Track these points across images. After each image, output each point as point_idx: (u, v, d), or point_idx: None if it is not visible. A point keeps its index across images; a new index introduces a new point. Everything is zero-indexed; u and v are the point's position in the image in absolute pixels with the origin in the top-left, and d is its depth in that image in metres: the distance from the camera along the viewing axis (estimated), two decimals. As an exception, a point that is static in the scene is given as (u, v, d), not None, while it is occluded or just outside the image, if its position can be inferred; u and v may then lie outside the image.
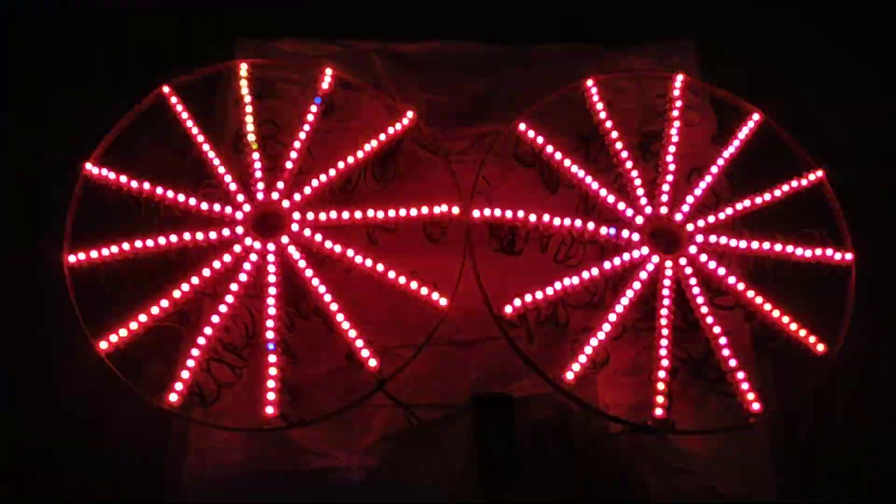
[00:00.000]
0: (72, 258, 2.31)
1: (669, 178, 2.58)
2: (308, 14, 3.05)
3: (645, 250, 2.46)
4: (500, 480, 2.29)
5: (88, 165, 2.42)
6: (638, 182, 2.56)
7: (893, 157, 2.95)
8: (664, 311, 2.38)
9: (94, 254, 2.32)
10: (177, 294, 2.28)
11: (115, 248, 2.32)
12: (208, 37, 2.94)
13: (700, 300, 2.41)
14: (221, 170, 2.49)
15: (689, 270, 2.45)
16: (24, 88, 2.86)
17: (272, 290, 2.34)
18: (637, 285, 2.41)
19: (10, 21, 2.97)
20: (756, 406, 2.26)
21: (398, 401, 2.27)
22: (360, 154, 2.54)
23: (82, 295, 2.27)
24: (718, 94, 2.82)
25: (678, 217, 2.53)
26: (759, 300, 2.41)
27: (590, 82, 2.68)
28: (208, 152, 2.52)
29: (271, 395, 2.18)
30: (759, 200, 2.56)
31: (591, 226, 2.46)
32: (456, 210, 2.46)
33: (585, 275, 2.39)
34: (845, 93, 3.04)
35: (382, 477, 2.30)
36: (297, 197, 2.47)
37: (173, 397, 2.17)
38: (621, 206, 2.52)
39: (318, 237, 2.40)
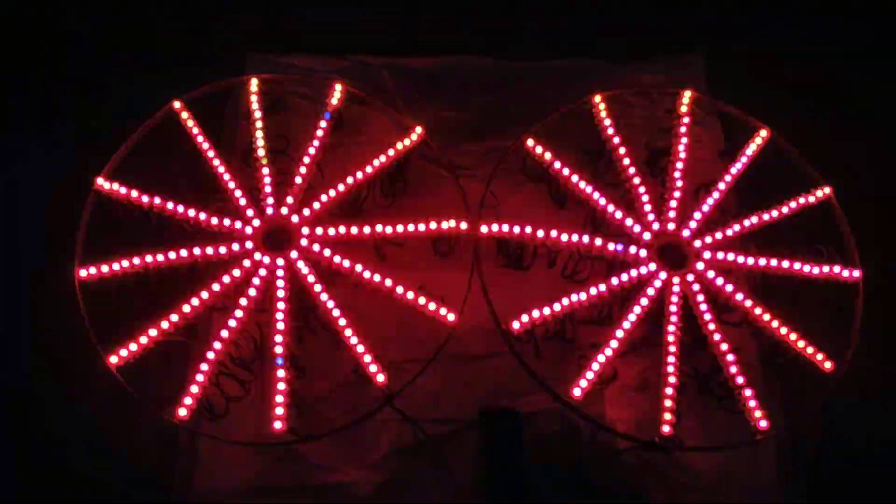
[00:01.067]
0: (83, 272, 2.32)
1: (677, 194, 2.58)
2: (318, 30, 3.07)
3: (652, 266, 2.46)
4: (507, 495, 2.28)
5: (100, 180, 2.44)
6: (645, 198, 2.56)
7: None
8: (671, 328, 2.39)
9: (104, 268, 2.33)
10: (186, 308, 2.30)
11: (125, 263, 2.34)
12: (220, 52, 2.96)
13: (707, 316, 2.41)
14: (231, 185, 2.50)
15: (696, 287, 2.45)
16: (34, 103, 2.88)
17: (281, 305, 2.34)
18: (644, 301, 2.41)
19: (23, 37, 2.99)
20: (763, 422, 2.27)
21: (406, 415, 2.27)
22: (368, 169, 2.55)
23: (93, 309, 2.28)
24: (726, 110, 2.83)
25: (686, 233, 2.53)
26: (766, 317, 2.42)
27: (598, 98, 2.69)
28: (218, 167, 2.53)
29: (280, 410, 2.19)
30: (766, 217, 2.56)
31: (598, 242, 2.47)
32: (464, 225, 2.47)
33: (593, 291, 2.40)
34: (853, 109, 3.04)
35: (390, 491, 2.31)
36: (306, 212, 2.48)
37: (182, 411, 2.19)
38: (629, 222, 2.52)
39: (327, 252, 2.41)
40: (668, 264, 2.48)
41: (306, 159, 2.56)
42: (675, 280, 2.46)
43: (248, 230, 2.44)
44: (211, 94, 2.69)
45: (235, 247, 2.41)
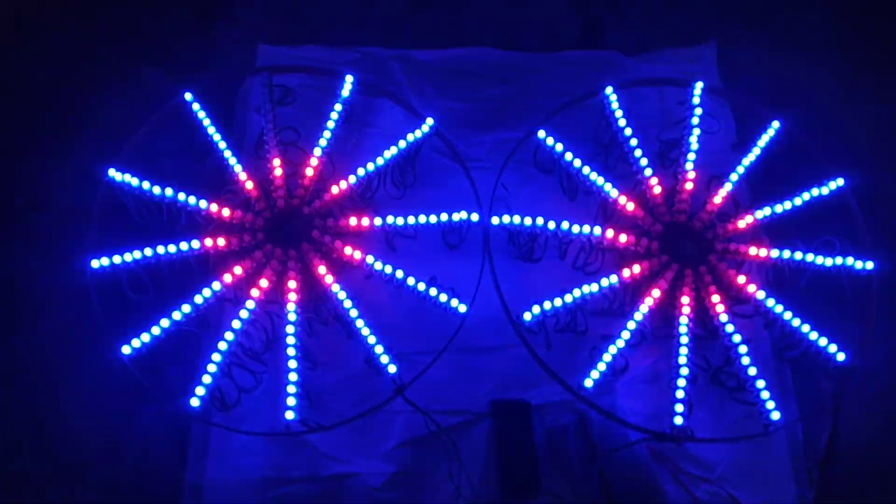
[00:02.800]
0: (95, 263, 2.33)
1: (689, 185, 2.57)
2: (329, 23, 3.07)
3: (664, 258, 2.46)
4: (518, 487, 2.29)
5: (111, 171, 2.44)
6: (657, 189, 2.55)
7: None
8: (683, 319, 2.38)
9: (116, 259, 2.34)
10: (198, 300, 2.30)
11: (137, 254, 2.34)
12: (231, 44, 2.96)
13: (719, 308, 2.40)
14: (242, 176, 2.51)
15: (708, 278, 2.44)
16: (45, 93, 2.89)
17: (292, 296, 2.35)
18: (656, 293, 2.40)
19: (35, 25, 3.00)
20: (775, 414, 2.26)
21: (417, 406, 2.27)
22: (379, 161, 2.55)
23: (105, 300, 2.30)
24: (738, 101, 2.81)
25: (697, 225, 2.52)
26: (778, 308, 2.40)
27: (609, 90, 2.67)
28: (230, 158, 2.54)
29: (291, 400, 2.20)
30: (779, 208, 2.54)
31: (609, 233, 2.46)
32: (475, 217, 2.47)
33: (604, 282, 2.39)
34: (867, 100, 3.02)
35: (401, 482, 2.31)
36: (317, 203, 2.48)
37: (195, 401, 2.19)
38: (640, 213, 2.51)
39: (338, 243, 2.41)
40: (680, 255, 2.47)
41: (317, 151, 2.56)
42: (687, 271, 2.45)
43: (260, 221, 2.44)
44: (221, 85, 2.69)
45: (247, 238, 2.41)
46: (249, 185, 2.50)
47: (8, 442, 2.38)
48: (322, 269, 2.38)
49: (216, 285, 2.33)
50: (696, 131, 2.65)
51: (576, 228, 2.44)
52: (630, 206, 2.52)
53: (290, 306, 2.34)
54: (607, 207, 2.60)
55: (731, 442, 2.34)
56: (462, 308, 2.35)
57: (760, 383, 2.30)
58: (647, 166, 2.58)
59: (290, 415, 2.19)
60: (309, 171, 2.53)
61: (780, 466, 2.39)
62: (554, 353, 2.41)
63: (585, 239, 2.48)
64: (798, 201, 2.56)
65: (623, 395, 2.41)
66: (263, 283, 2.36)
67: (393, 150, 2.57)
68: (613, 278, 2.40)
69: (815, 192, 2.58)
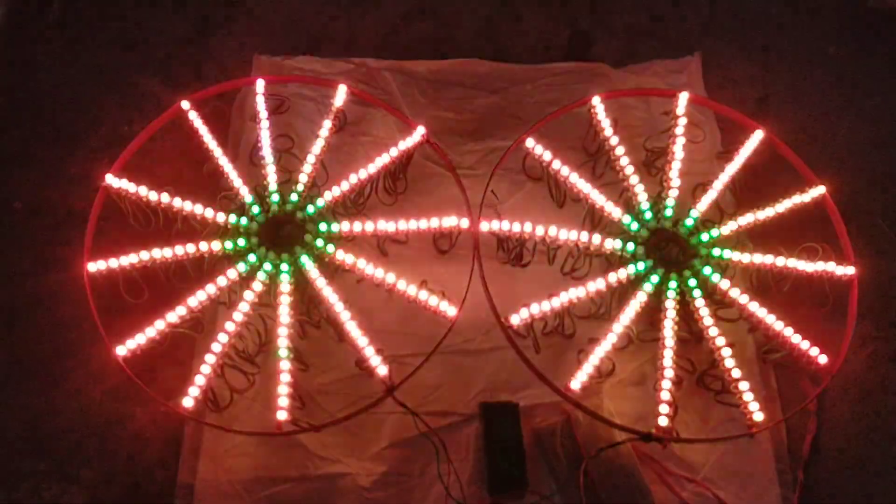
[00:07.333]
0: (92, 267, 2.37)
1: (674, 192, 2.62)
2: (323, 34, 3.13)
3: (650, 263, 2.50)
4: (506, 486, 2.32)
5: (109, 177, 2.48)
6: (643, 197, 2.60)
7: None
8: (669, 323, 2.42)
9: (113, 263, 2.38)
10: (192, 302, 2.33)
11: (133, 258, 2.38)
12: (227, 55, 3.02)
13: (704, 312, 2.44)
14: (237, 182, 2.55)
15: (693, 283, 2.49)
16: (45, 100, 2.94)
17: (285, 300, 2.39)
18: (642, 297, 2.44)
19: (32, 32, 3.05)
20: (758, 416, 2.29)
21: (407, 407, 2.30)
22: (372, 168, 2.59)
23: (101, 302, 2.33)
24: (722, 111, 2.87)
25: (682, 231, 2.57)
26: (761, 312, 2.44)
27: (596, 100, 2.72)
28: (225, 165, 2.58)
29: (283, 401, 2.23)
30: (762, 215, 2.59)
31: (596, 239, 2.50)
32: (465, 223, 2.51)
33: (591, 287, 2.43)
34: (849, 110, 3.08)
35: (391, 482, 2.34)
36: (310, 209, 2.53)
37: (188, 402, 2.22)
38: (626, 219, 2.56)
39: (331, 248, 2.45)
40: (666, 261, 2.51)
41: (311, 158, 2.61)
42: (672, 276, 2.49)
43: (254, 226, 2.49)
44: (218, 95, 2.74)
45: (241, 242, 2.45)
46: (244, 190, 2.54)
47: (3, 441, 2.41)
48: (314, 273, 2.42)
49: (210, 288, 2.36)
50: (682, 140, 2.70)
51: (564, 234, 2.48)
52: (616, 213, 2.56)
53: (283, 309, 2.37)
54: (594, 214, 2.64)
55: (715, 443, 2.38)
56: (452, 312, 2.38)
57: (744, 385, 2.33)
58: (634, 174, 2.62)
59: (281, 415, 2.22)
60: (303, 178, 2.58)
61: (764, 467, 2.42)
62: (542, 355, 2.45)
63: (573, 245, 2.52)
64: (781, 208, 2.61)
65: (610, 396, 2.45)
66: (257, 286, 2.40)
67: (385, 158, 2.62)
68: (600, 283, 2.44)
69: (797, 199, 2.63)
